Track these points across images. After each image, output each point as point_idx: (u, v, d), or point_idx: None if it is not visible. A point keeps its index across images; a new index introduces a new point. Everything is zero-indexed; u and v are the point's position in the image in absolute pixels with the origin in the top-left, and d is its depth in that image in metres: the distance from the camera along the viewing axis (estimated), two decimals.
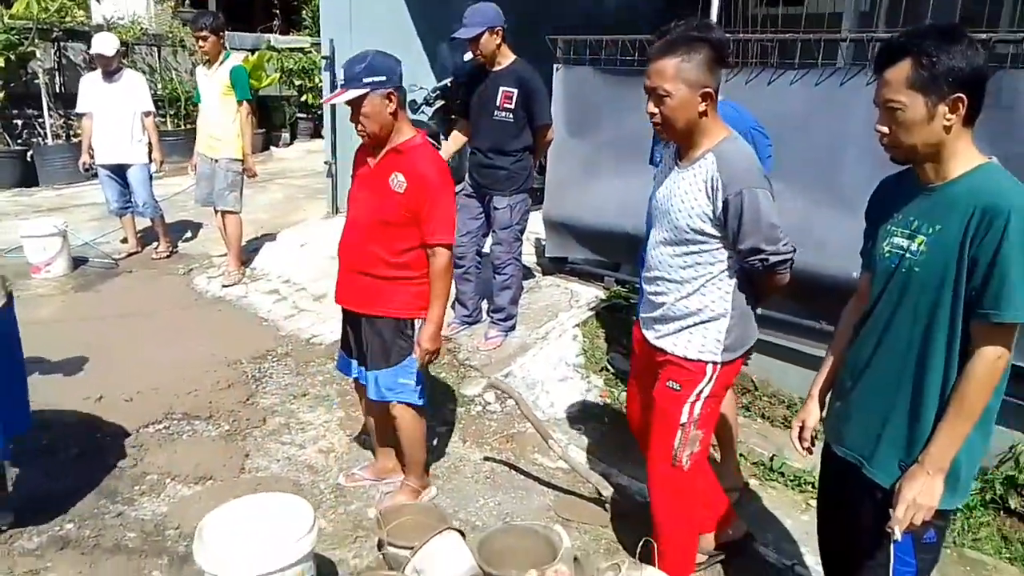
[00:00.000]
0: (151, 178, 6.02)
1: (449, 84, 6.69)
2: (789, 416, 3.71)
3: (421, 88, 6.90)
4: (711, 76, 2.10)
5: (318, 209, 7.23)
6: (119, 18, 10.18)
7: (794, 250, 2.20)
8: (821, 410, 2.03)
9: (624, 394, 3.28)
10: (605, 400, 3.98)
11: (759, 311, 2.38)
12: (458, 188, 3.93)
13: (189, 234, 6.79)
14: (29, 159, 8.48)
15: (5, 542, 2.76)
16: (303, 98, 11.50)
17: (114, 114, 5.72)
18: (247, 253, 5.99)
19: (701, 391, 2.30)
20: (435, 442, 3.54)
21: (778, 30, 3.99)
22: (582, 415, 3.87)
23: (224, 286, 5.51)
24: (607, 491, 3.07)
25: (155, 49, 10.38)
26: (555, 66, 4.79)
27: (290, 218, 7.15)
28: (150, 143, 5.91)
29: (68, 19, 9.15)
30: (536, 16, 5.36)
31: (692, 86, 2.08)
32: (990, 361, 1.59)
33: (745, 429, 3.65)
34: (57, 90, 8.97)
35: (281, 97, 11.43)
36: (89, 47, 6.20)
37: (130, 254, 6.13)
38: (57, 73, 9.02)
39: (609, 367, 4.20)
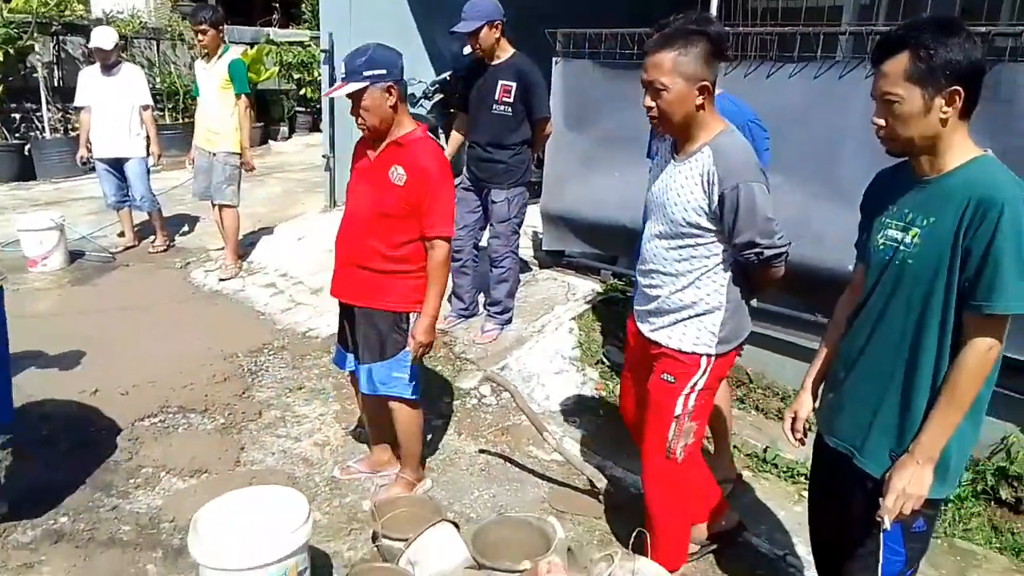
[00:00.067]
0: (149, 172, 6.01)
1: (448, 78, 6.67)
2: (783, 408, 3.72)
3: (420, 82, 6.89)
4: (708, 70, 2.09)
5: (316, 203, 7.23)
6: (118, 12, 10.16)
7: (789, 244, 2.20)
8: (814, 401, 2.04)
9: (619, 387, 3.28)
10: (600, 393, 3.98)
11: (755, 304, 2.38)
12: (456, 181, 3.92)
13: (186, 228, 6.78)
14: (27, 153, 8.48)
15: None
16: (302, 92, 11.49)
17: (112, 108, 5.70)
18: (244, 247, 5.98)
19: (695, 383, 2.30)
20: (430, 435, 3.54)
21: (777, 23, 3.98)
22: (577, 408, 3.87)
23: (221, 280, 5.50)
24: (601, 483, 3.07)
25: (154, 43, 10.37)
26: (554, 59, 4.77)
27: (288, 212, 7.14)
28: (148, 137, 5.89)
29: (67, 13, 9.13)
30: (539, 9, 5.31)
31: (689, 80, 2.07)
32: (982, 352, 1.59)
33: (739, 421, 3.66)
34: (55, 84, 8.95)
35: (280, 91, 11.42)
36: (88, 41, 6.18)
37: (127, 248, 6.12)
38: (56, 67, 9.00)
39: (605, 360, 4.20)
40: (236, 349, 4.36)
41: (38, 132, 8.84)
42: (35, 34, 8.50)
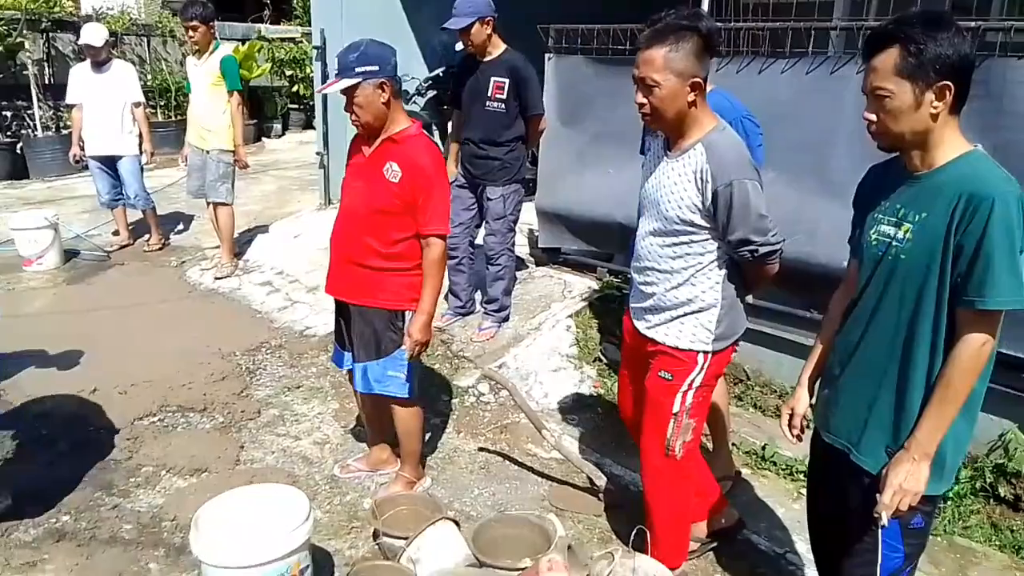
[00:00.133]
0: (142, 170, 5.99)
1: (441, 74, 6.66)
2: (781, 405, 3.72)
3: (413, 78, 6.86)
4: (700, 66, 2.10)
5: (311, 200, 7.21)
6: (108, 8, 10.10)
7: (783, 240, 2.21)
8: (810, 397, 2.05)
9: (617, 384, 3.29)
10: (598, 390, 4.00)
11: (751, 300, 2.39)
12: (450, 179, 3.93)
13: (181, 226, 6.76)
14: (19, 151, 8.44)
15: (1, 534, 2.76)
16: (294, 88, 11.43)
17: (104, 105, 5.68)
18: (240, 245, 5.97)
19: (693, 380, 2.32)
20: (429, 433, 3.55)
21: (769, 19, 3.98)
22: (575, 405, 3.89)
23: (217, 278, 5.49)
24: (600, 480, 3.09)
25: (144, 39, 10.30)
26: (547, 55, 4.77)
27: (283, 209, 7.13)
28: (141, 134, 5.87)
29: (57, 9, 9.07)
30: (539, 6, 5.29)
31: (681, 76, 2.08)
32: (975, 347, 1.60)
33: (737, 418, 3.68)
34: (46, 81, 8.90)
35: (272, 88, 11.37)
36: (78, 38, 6.14)
37: (122, 246, 6.10)
38: (46, 64, 8.95)
39: (602, 357, 4.21)
40: (234, 348, 4.37)
41: (30, 130, 8.79)
42: (25, 31, 8.45)
